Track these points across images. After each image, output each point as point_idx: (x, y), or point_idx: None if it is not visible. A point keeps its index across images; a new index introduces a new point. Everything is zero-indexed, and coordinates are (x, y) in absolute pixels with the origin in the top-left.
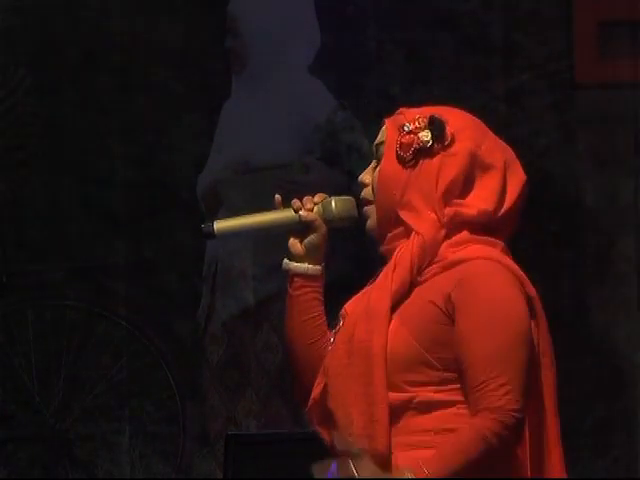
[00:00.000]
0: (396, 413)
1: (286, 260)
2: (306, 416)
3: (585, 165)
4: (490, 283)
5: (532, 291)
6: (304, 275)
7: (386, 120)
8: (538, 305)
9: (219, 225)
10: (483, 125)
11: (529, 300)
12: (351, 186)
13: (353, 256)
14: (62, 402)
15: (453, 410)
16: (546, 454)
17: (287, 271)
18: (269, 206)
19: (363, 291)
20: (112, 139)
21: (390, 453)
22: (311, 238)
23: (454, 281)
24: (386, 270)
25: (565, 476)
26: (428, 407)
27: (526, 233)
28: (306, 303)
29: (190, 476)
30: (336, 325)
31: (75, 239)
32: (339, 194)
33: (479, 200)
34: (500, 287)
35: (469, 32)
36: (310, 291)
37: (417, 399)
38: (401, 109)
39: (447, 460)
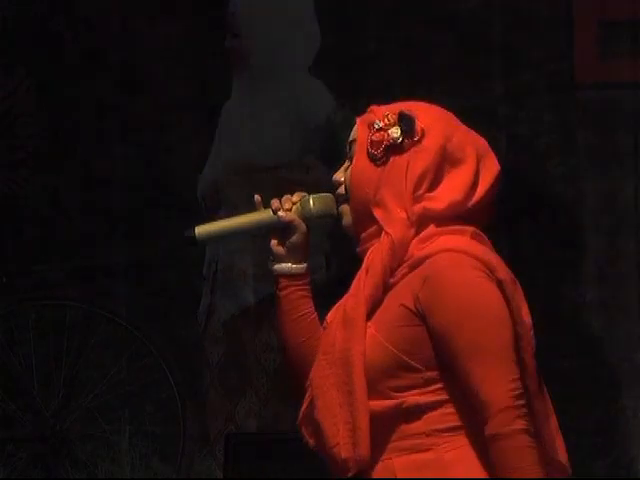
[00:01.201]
0: (386, 419)
1: (270, 261)
2: (298, 431)
3: (585, 165)
4: (454, 276)
5: (502, 274)
6: (288, 275)
7: (357, 119)
8: (509, 287)
9: (199, 230)
10: (454, 118)
11: (499, 284)
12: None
13: (353, 255)
14: (62, 402)
15: (441, 410)
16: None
17: (272, 272)
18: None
19: (342, 299)
20: (112, 139)
21: (370, 457)
22: (293, 238)
23: (421, 280)
24: (359, 275)
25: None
26: (417, 411)
27: (526, 233)
28: (294, 302)
29: (190, 476)
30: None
31: (75, 239)
32: (318, 191)
33: (448, 191)
34: (465, 278)
35: (469, 32)
36: (296, 290)
37: (405, 405)
38: (371, 107)
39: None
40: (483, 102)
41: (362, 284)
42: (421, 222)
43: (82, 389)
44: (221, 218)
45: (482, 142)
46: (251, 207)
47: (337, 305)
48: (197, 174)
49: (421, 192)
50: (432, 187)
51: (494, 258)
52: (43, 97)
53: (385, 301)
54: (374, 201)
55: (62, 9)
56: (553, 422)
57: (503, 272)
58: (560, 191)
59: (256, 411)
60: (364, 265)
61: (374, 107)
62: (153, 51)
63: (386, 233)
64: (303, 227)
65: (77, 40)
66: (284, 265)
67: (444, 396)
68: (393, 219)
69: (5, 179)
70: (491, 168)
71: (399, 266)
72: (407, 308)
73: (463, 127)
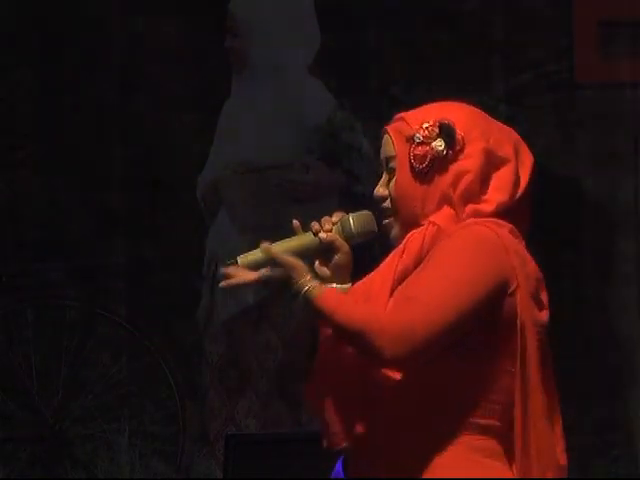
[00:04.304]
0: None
1: None
2: (303, 391)
3: (585, 165)
4: (463, 236)
5: (518, 261)
6: None
7: (388, 129)
8: (525, 275)
9: (242, 260)
10: (485, 115)
11: (511, 269)
12: (351, 186)
13: (354, 258)
14: (62, 402)
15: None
16: (530, 426)
17: None
18: (269, 206)
19: (368, 275)
20: (112, 139)
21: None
22: (336, 259)
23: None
24: (393, 255)
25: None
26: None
27: (526, 233)
28: None
29: (190, 476)
30: None
31: (75, 239)
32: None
33: (496, 192)
34: (471, 239)
35: (469, 32)
36: None
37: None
38: (401, 114)
39: (332, 304)
40: (483, 102)
41: (394, 263)
42: (467, 219)
43: (82, 389)
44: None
45: (513, 133)
46: (251, 207)
47: (362, 280)
48: (197, 174)
49: (472, 196)
50: (481, 191)
51: (521, 249)
52: (43, 97)
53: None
54: (422, 214)
55: (62, 9)
56: (558, 427)
57: (521, 261)
58: (560, 191)
59: (256, 411)
60: (401, 246)
61: (404, 114)
62: (153, 51)
63: (432, 223)
64: (346, 247)
65: (77, 40)
66: (330, 286)
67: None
68: (441, 214)
69: (5, 179)
70: (526, 161)
71: None
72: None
73: (494, 122)
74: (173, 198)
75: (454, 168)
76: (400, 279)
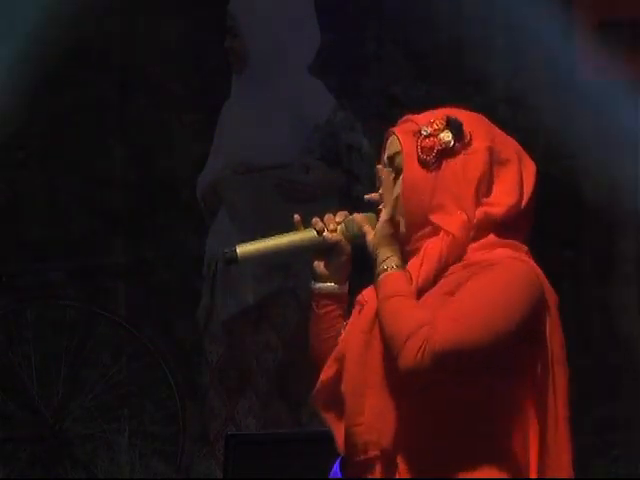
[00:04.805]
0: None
1: (312, 281)
2: (312, 400)
3: (585, 164)
4: (507, 269)
5: (551, 296)
6: (331, 295)
7: (395, 130)
8: (554, 310)
9: (241, 250)
10: (488, 121)
11: (545, 301)
12: (351, 186)
13: (354, 259)
14: (62, 402)
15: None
16: (554, 456)
17: (313, 291)
18: (269, 206)
19: None
20: (112, 139)
21: (394, 447)
22: (337, 259)
23: (473, 272)
24: (411, 265)
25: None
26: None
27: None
28: (331, 321)
29: (190, 476)
30: (352, 311)
31: (75, 239)
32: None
33: (504, 195)
34: (515, 273)
35: (469, 32)
36: (336, 309)
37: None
38: (407, 116)
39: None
40: (483, 102)
41: (415, 274)
42: (480, 226)
43: (82, 389)
44: (242, 243)
45: (515, 142)
46: (251, 207)
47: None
48: (197, 174)
49: (481, 196)
50: (488, 191)
51: (543, 275)
52: (43, 97)
53: (431, 291)
54: (430, 207)
55: (63, 9)
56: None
57: (552, 294)
58: (560, 191)
59: (256, 411)
60: (418, 257)
61: (410, 116)
62: (153, 51)
63: (447, 232)
64: (348, 247)
65: (77, 40)
66: (328, 285)
67: (480, 392)
68: (454, 220)
69: (5, 179)
70: (529, 168)
71: (453, 264)
72: (449, 295)
73: (497, 129)
74: (173, 198)
75: (462, 161)
76: (422, 290)
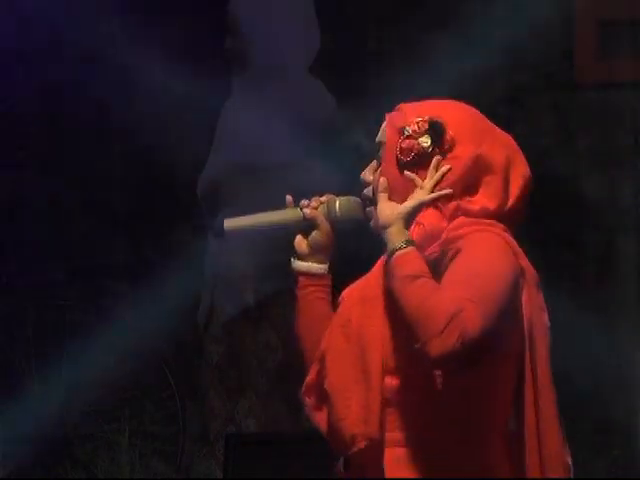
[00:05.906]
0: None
1: (292, 258)
2: (301, 399)
3: (585, 165)
4: (482, 243)
5: (525, 262)
6: (308, 274)
7: (387, 116)
8: (530, 276)
9: (228, 223)
10: (484, 120)
11: (521, 269)
12: (351, 186)
13: (352, 258)
14: (62, 402)
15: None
16: (543, 427)
17: (293, 270)
18: (269, 206)
19: (361, 278)
20: (112, 139)
21: (383, 437)
22: (314, 236)
23: (451, 256)
24: (384, 258)
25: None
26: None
27: (526, 233)
28: (311, 302)
29: (190, 476)
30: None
31: (75, 239)
32: (345, 194)
33: (484, 198)
34: (490, 246)
35: (469, 32)
36: (315, 290)
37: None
38: (401, 105)
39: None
40: (483, 102)
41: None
42: (453, 216)
43: (82, 389)
44: (229, 216)
45: (512, 143)
46: (251, 207)
47: (355, 283)
48: (197, 174)
49: (457, 195)
50: (469, 193)
51: (522, 252)
52: (43, 98)
53: None
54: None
55: (62, 9)
56: (562, 427)
57: (526, 261)
58: (560, 191)
59: (256, 411)
60: None
61: (403, 105)
62: (153, 51)
63: (418, 223)
64: (326, 226)
65: (77, 41)
66: (304, 263)
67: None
68: (425, 213)
69: (5, 179)
70: (522, 173)
71: (429, 246)
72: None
73: (493, 130)
74: (173, 198)
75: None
76: None
